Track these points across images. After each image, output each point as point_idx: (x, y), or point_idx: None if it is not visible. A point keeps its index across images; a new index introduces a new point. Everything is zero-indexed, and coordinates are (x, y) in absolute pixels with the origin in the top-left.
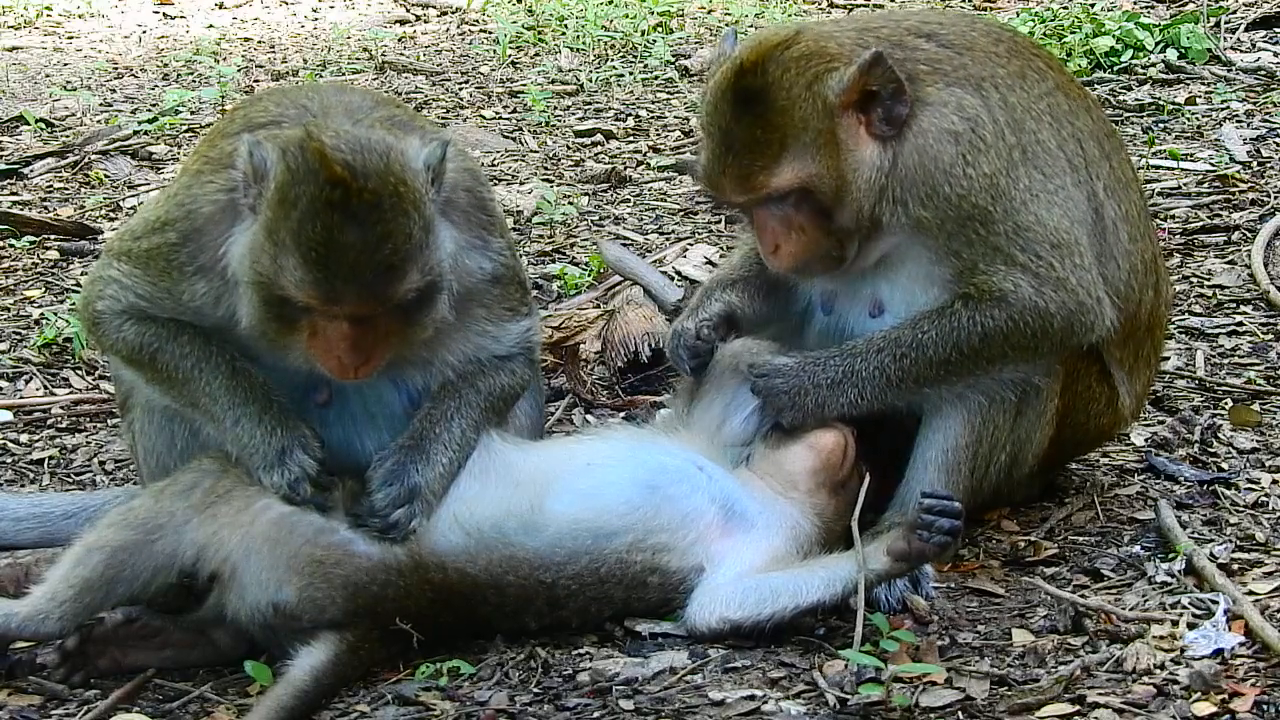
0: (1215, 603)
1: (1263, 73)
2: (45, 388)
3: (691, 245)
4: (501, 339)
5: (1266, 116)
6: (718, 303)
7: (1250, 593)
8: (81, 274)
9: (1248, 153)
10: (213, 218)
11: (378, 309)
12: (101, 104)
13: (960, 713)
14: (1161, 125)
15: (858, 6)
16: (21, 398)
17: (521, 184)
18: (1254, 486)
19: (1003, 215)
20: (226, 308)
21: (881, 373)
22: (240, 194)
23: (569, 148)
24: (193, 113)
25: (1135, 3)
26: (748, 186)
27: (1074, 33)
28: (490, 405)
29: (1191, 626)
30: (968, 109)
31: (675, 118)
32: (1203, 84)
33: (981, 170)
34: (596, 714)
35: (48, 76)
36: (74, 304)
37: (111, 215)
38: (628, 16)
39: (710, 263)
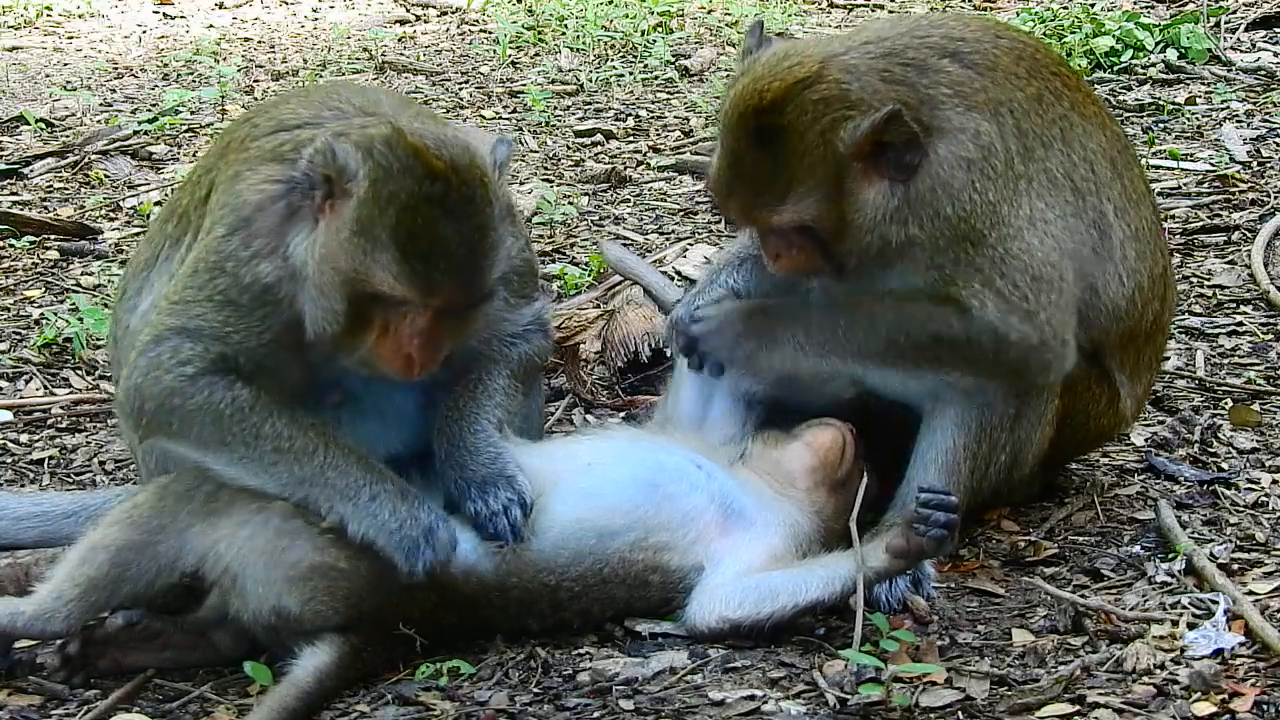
0: (1215, 603)
1: (1263, 73)
2: (45, 388)
3: (691, 245)
4: (517, 321)
5: (1266, 116)
6: (718, 288)
7: (1250, 593)
8: (82, 274)
9: (1248, 153)
10: (260, 205)
11: (469, 300)
12: (101, 104)
13: (960, 713)
14: (1161, 125)
15: (858, 6)
16: (21, 398)
17: (521, 184)
18: (1254, 486)
19: (996, 240)
20: (288, 295)
21: (822, 338)
22: (300, 194)
23: (569, 148)
24: (193, 113)
25: (1135, 3)
26: (750, 216)
27: (1074, 33)
28: (514, 373)
29: (1191, 626)
30: (983, 136)
31: (675, 118)
32: (1203, 84)
33: (987, 198)
34: (596, 714)
35: (48, 76)
36: (74, 304)
37: (111, 215)
38: (628, 16)
39: (710, 262)
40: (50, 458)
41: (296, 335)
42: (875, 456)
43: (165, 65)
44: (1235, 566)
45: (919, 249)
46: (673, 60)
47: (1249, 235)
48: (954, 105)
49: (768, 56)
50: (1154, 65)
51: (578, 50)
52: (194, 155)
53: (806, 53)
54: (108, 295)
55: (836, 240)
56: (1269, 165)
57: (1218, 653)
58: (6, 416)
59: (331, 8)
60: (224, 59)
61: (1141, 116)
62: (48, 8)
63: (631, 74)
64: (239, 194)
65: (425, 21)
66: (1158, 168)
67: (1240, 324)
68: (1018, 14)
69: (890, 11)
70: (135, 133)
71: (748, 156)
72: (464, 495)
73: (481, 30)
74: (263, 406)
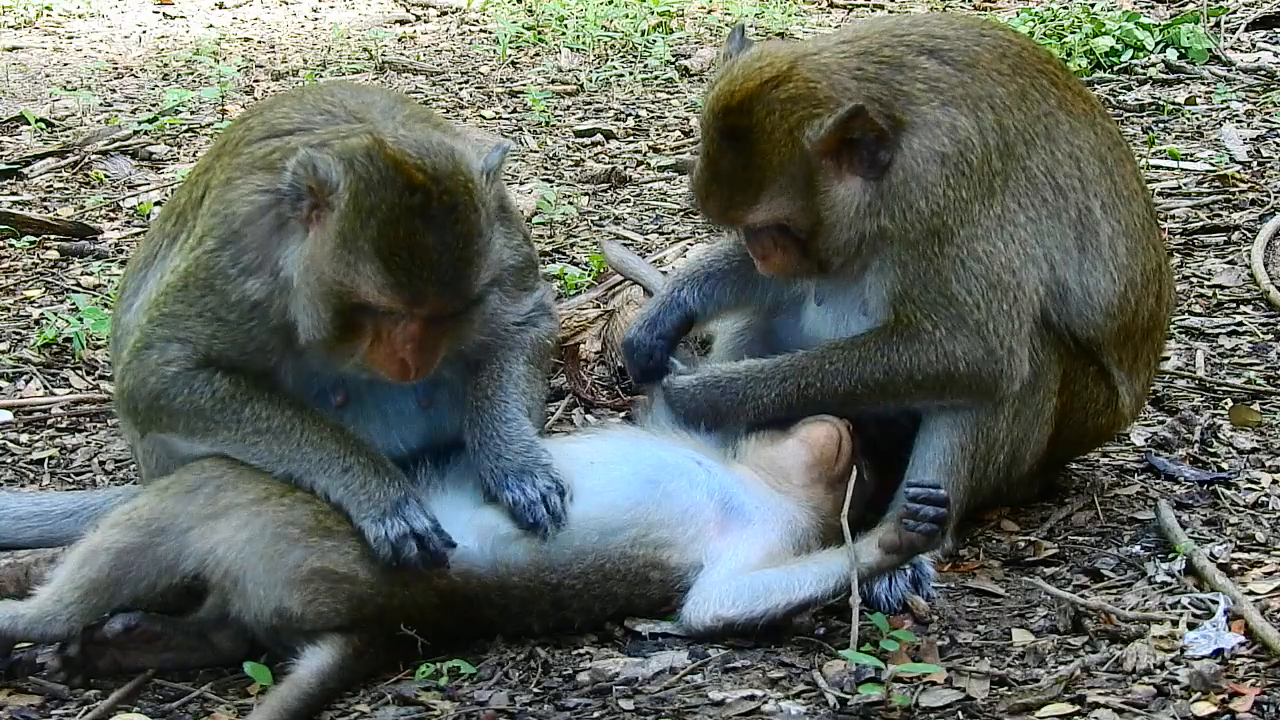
0: (1215, 603)
1: (1263, 73)
2: (45, 388)
3: (691, 245)
4: (518, 311)
5: (1266, 116)
6: (675, 312)
7: (1250, 593)
8: (82, 274)
9: (1248, 153)
10: (250, 218)
11: (456, 307)
12: (101, 104)
13: (960, 713)
14: (1161, 125)
15: (857, 6)
16: (21, 398)
17: (521, 184)
18: (1254, 486)
19: (965, 238)
20: (279, 307)
21: (783, 400)
22: (287, 206)
23: (569, 148)
24: (193, 113)
25: (1135, 3)
26: (727, 217)
27: (1074, 33)
28: (530, 357)
29: (1191, 626)
30: (960, 131)
31: (675, 118)
32: (1203, 84)
33: (960, 194)
34: (596, 714)
35: (48, 76)
36: (74, 304)
37: (111, 215)
38: (628, 16)
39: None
40: (50, 458)
41: (290, 341)
42: (875, 453)
43: (165, 65)
44: (1235, 566)
45: (888, 243)
46: (673, 60)
47: (1249, 235)
48: (929, 100)
49: (743, 59)
50: (1154, 65)
51: (578, 50)
52: (194, 155)
53: (779, 53)
54: (108, 295)
55: (814, 238)
56: (1269, 165)
57: (1218, 653)
58: (6, 416)
59: (331, 8)
60: (224, 59)
61: (1141, 116)
62: (48, 8)
63: (631, 74)
64: (229, 204)
65: (425, 21)
66: (1158, 168)
67: (1240, 324)
68: (1018, 14)
69: (890, 11)
70: (135, 133)
71: (721, 158)
72: (501, 485)
73: (481, 30)
74: (242, 393)
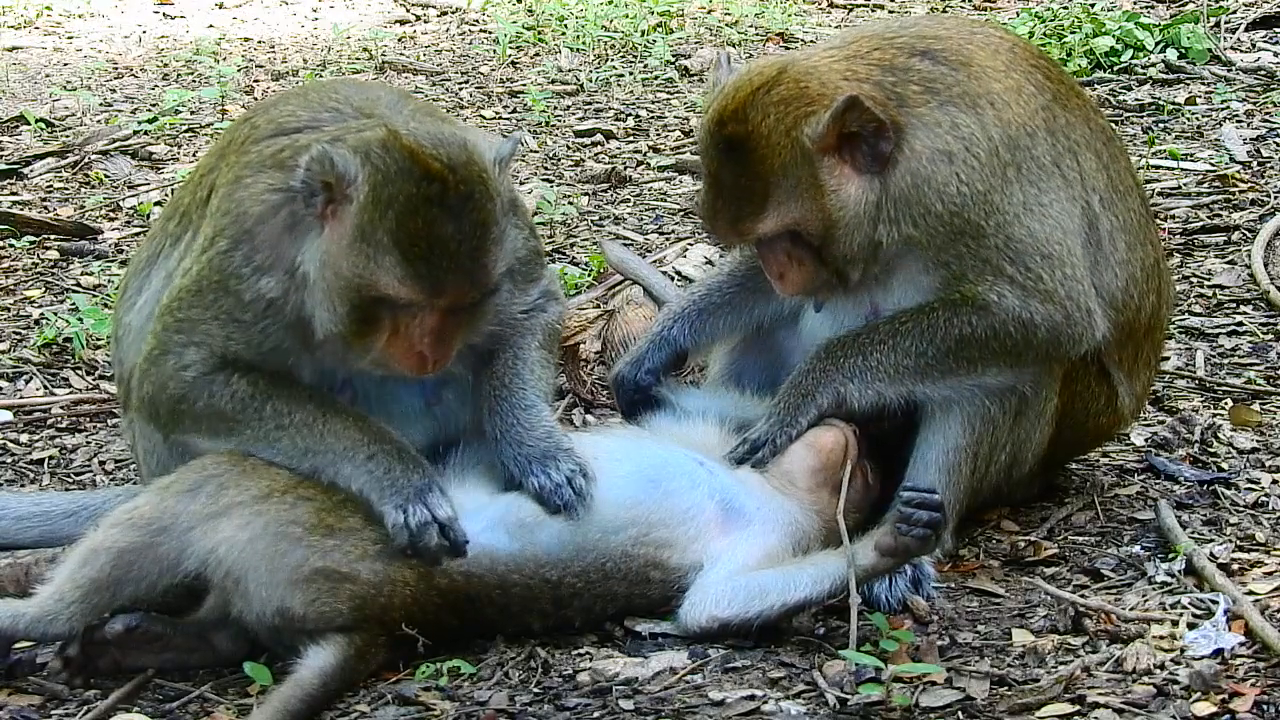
0: (1215, 603)
1: (1263, 73)
2: (45, 388)
3: (691, 245)
4: (526, 301)
5: (1266, 116)
6: (665, 349)
7: (1250, 593)
8: (82, 274)
9: (1248, 153)
10: (262, 217)
11: (474, 297)
12: (101, 104)
13: (960, 713)
14: (1161, 125)
15: (857, 6)
16: (21, 398)
17: (521, 184)
18: (1254, 486)
19: (995, 229)
20: (294, 305)
21: (867, 382)
22: (301, 203)
23: (569, 148)
24: (193, 113)
25: (1135, 3)
26: (737, 231)
27: (1074, 33)
28: (542, 343)
29: (1191, 626)
30: (962, 128)
31: (675, 118)
32: (1203, 84)
33: (975, 188)
34: (596, 714)
35: (48, 76)
36: (74, 304)
37: (111, 215)
38: (628, 16)
39: (710, 263)
40: (50, 458)
41: (305, 338)
42: (879, 456)
43: (165, 65)
44: (1235, 566)
45: (919, 249)
46: (673, 60)
47: (1249, 235)
48: (926, 101)
49: (732, 76)
50: (1154, 65)
51: (578, 50)
52: (194, 155)
53: (766, 63)
54: (108, 295)
55: (827, 244)
56: (1269, 165)
57: (1218, 653)
58: (6, 416)
59: (331, 8)
60: (224, 59)
61: (1141, 116)
62: (48, 8)
63: (631, 74)
64: (240, 203)
65: (425, 21)
66: (1158, 168)
67: (1240, 324)
68: (1018, 14)
69: (890, 11)
70: (135, 133)
71: (723, 171)
72: (525, 471)
73: (481, 30)
74: (261, 392)
